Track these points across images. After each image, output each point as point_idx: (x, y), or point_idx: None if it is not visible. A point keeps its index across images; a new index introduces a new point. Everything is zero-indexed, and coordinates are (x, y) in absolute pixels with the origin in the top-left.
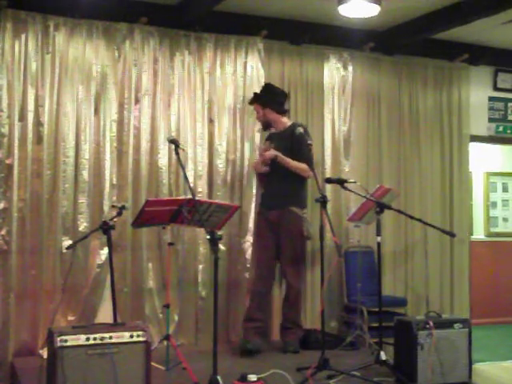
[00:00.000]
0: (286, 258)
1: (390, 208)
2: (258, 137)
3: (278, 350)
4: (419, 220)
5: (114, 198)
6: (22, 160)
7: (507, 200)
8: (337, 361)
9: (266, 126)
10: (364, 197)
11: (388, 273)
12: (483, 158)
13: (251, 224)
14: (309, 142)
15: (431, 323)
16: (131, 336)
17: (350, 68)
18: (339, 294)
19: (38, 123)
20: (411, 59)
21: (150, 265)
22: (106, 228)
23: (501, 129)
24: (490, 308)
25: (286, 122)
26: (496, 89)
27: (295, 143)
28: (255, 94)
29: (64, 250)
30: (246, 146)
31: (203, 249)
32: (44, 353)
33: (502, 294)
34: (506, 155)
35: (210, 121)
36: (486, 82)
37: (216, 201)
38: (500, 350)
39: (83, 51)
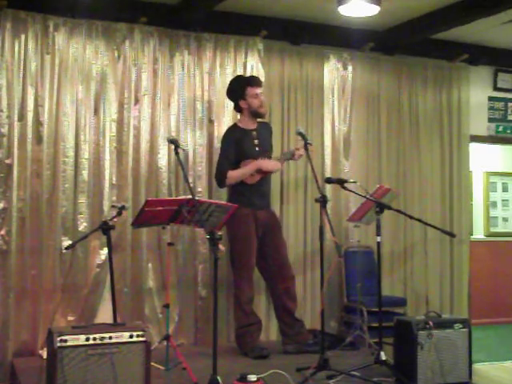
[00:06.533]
0: (282, 254)
1: (389, 208)
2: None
3: (277, 350)
4: (419, 220)
5: (114, 198)
6: (22, 160)
7: (507, 200)
8: (337, 361)
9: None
10: (364, 197)
11: (388, 273)
12: (483, 158)
13: None
14: None
15: (431, 323)
16: (131, 336)
17: (350, 68)
18: (339, 294)
19: (38, 123)
20: (411, 59)
21: (150, 265)
22: (105, 228)
23: (501, 129)
24: (490, 308)
25: None
26: (496, 89)
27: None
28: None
29: (64, 250)
30: None
31: (203, 249)
32: (44, 353)
33: (502, 293)
34: (506, 155)
35: (210, 121)
36: (485, 81)
37: (216, 201)
38: (500, 350)
39: (83, 51)
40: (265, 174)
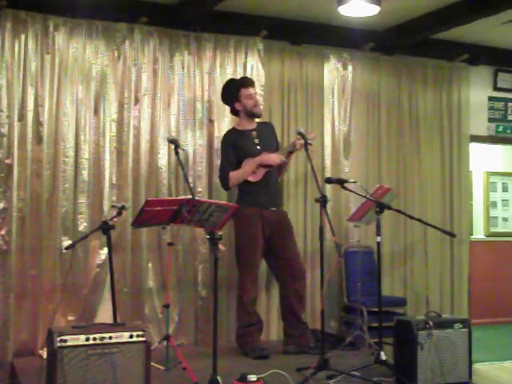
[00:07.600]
0: (292, 254)
1: (390, 208)
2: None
3: (277, 350)
4: (419, 220)
5: (114, 198)
6: (22, 160)
7: (507, 200)
8: (337, 361)
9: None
10: (364, 197)
11: (388, 273)
12: (483, 158)
13: None
14: None
15: (431, 323)
16: (131, 336)
17: (350, 68)
18: (339, 294)
19: (38, 123)
20: (411, 59)
21: (150, 265)
22: (105, 228)
23: (501, 129)
24: (490, 308)
25: None
26: (496, 89)
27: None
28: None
29: (64, 250)
30: None
31: (203, 249)
32: (44, 353)
33: (502, 294)
34: (506, 155)
35: (210, 121)
36: (485, 81)
37: (216, 201)
38: (500, 350)
39: (83, 51)
40: (268, 168)
